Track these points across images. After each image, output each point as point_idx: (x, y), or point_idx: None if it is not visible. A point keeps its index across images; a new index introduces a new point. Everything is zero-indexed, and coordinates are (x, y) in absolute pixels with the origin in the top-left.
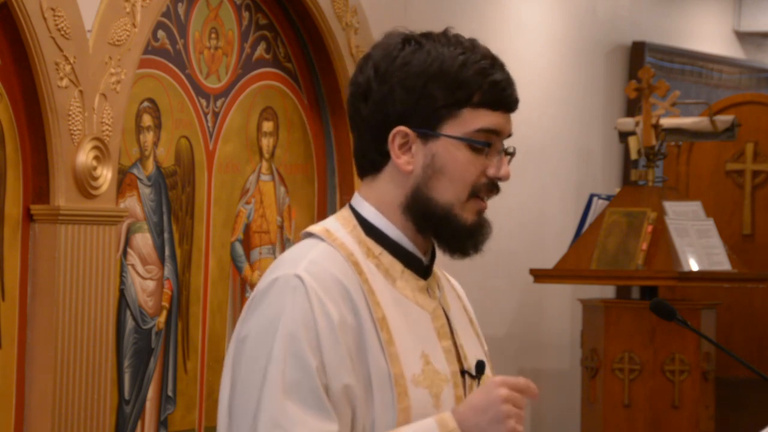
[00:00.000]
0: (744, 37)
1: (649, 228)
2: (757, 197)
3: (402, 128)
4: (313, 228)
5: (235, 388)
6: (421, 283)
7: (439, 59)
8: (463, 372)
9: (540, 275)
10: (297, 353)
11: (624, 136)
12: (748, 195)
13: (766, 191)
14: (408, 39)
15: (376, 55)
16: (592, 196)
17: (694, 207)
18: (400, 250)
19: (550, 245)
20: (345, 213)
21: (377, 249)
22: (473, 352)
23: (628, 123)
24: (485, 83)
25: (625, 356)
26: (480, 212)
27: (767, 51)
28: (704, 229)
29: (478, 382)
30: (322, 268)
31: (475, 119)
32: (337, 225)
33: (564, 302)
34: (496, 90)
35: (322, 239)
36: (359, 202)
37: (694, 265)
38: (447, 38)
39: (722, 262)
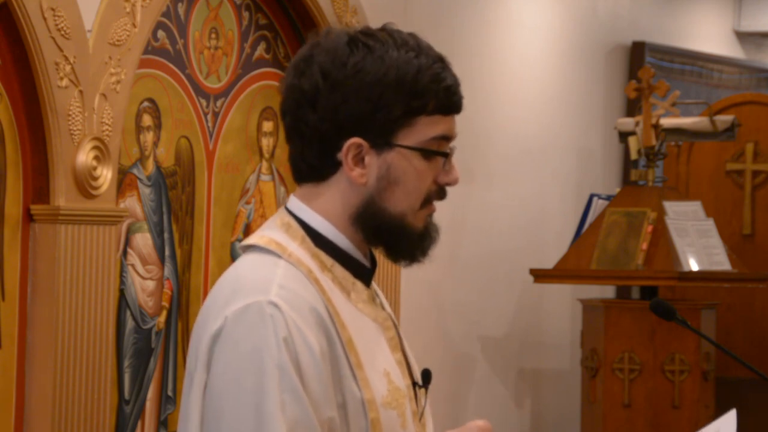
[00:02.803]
0: (744, 37)
1: (649, 228)
2: (757, 197)
3: (356, 140)
4: (259, 240)
5: (216, 425)
6: (369, 292)
7: (394, 66)
8: (414, 384)
9: (540, 275)
10: (292, 388)
11: (624, 136)
12: (748, 195)
13: (766, 191)
14: (354, 41)
15: (322, 60)
16: (592, 196)
17: (694, 207)
18: (350, 261)
19: (550, 245)
20: (286, 219)
21: (329, 261)
22: (413, 360)
23: (628, 123)
24: (440, 90)
25: (625, 356)
26: (429, 217)
27: (767, 51)
28: (704, 229)
29: (426, 392)
30: (294, 293)
31: (430, 127)
32: (285, 237)
33: (564, 302)
34: (448, 95)
35: (276, 255)
36: (302, 208)
37: (694, 265)
38: (393, 38)
39: (722, 262)
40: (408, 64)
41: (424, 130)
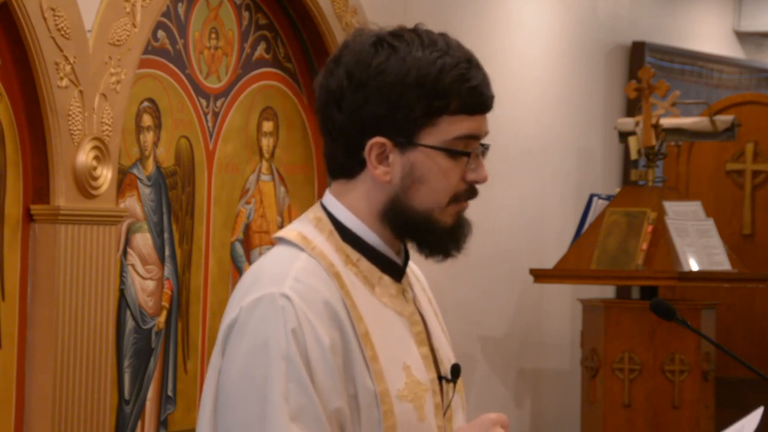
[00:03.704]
0: (744, 37)
1: (649, 228)
2: (757, 197)
3: (379, 139)
4: (287, 234)
5: (226, 412)
6: (398, 286)
7: (416, 66)
8: (440, 377)
9: (540, 275)
10: (297, 378)
11: (624, 136)
12: (748, 195)
13: (766, 191)
14: (380, 41)
15: (348, 60)
16: (592, 196)
17: (694, 207)
18: (378, 255)
19: (550, 245)
20: (318, 214)
21: (355, 255)
22: (446, 354)
23: (628, 123)
24: (464, 89)
25: (625, 356)
26: (459, 213)
27: (767, 51)
28: (704, 229)
29: (454, 386)
30: (309, 286)
31: (454, 127)
32: (314, 230)
33: (564, 302)
34: (474, 95)
35: (300, 248)
36: (333, 203)
37: (694, 265)
38: (420, 39)
39: (722, 262)
40: (431, 64)
41: (448, 129)
